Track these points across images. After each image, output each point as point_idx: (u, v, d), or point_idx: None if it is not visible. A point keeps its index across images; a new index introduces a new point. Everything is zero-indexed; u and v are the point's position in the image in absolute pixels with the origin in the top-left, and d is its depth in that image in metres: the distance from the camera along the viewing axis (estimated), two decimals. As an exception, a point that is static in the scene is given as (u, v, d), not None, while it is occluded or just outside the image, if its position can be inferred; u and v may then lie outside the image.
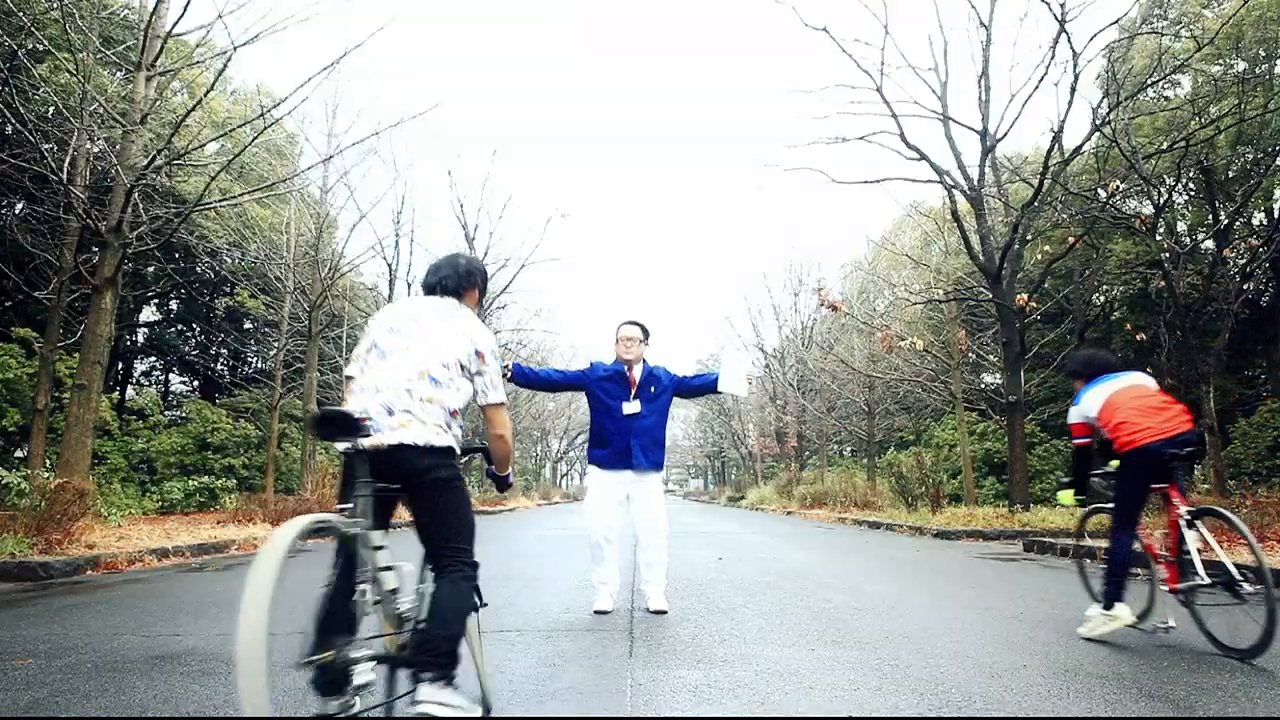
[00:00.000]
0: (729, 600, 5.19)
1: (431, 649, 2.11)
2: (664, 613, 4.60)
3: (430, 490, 2.30)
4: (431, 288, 2.58)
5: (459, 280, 2.57)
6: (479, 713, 2.30)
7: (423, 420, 2.28)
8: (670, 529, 4.95)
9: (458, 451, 2.38)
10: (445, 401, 2.34)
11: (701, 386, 4.98)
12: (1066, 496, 4.39)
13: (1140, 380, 4.03)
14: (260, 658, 1.62)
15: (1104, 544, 4.06)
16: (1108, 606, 3.85)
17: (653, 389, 4.80)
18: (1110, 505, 4.08)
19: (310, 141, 26.43)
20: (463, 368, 2.40)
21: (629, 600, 5.06)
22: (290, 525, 1.86)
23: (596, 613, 4.58)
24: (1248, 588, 3.48)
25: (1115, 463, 4.00)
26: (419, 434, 2.26)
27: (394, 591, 2.17)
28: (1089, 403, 4.04)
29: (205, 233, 17.59)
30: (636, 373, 4.81)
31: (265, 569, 1.72)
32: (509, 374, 4.60)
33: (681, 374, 4.98)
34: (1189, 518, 3.75)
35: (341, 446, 2.21)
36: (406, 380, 2.31)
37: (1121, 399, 3.91)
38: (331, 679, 1.93)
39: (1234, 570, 3.51)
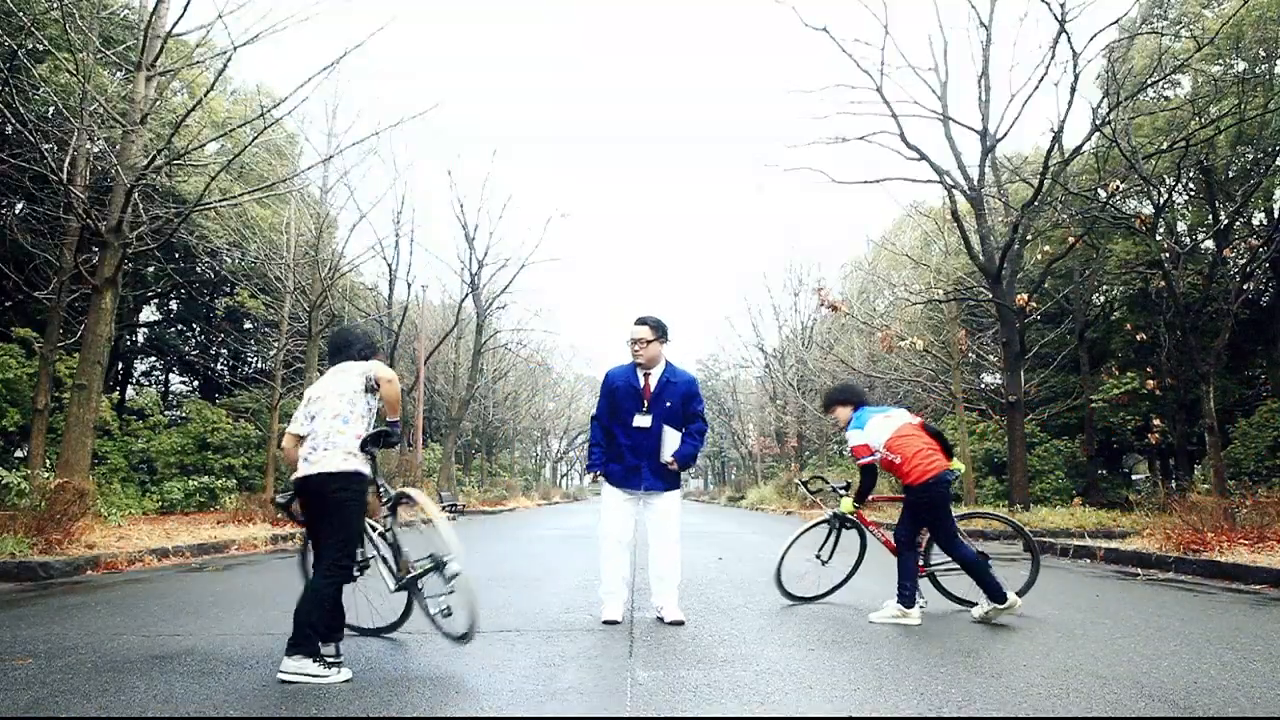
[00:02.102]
0: (729, 600, 5.19)
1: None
2: (681, 623, 4.23)
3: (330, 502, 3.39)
4: (331, 361, 3.79)
5: (333, 355, 3.75)
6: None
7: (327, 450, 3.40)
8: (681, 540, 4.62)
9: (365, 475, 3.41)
10: (352, 431, 3.42)
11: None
12: (848, 504, 4.95)
13: (906, 416, 4.71)
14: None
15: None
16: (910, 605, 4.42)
17: (668, 404, 4.31)
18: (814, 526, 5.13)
19: (310, 141, 26.51)
20: (362, 390, 3.48)
21: (629, 600, 5.04)
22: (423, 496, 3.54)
23: (606, 622, 4.27)
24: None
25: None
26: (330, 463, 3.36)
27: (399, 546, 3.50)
28: (873, 433, 4.61)
29: (205, 233, 17.58)
30: (653, 379, 4.32)
31: (435, 510, 3.41)
32: (596, 478, 4.49)
33: (694, 404, 4.43)
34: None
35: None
36: (326, 426, 3.43)
37: (908, 436, 4.54)
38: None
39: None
